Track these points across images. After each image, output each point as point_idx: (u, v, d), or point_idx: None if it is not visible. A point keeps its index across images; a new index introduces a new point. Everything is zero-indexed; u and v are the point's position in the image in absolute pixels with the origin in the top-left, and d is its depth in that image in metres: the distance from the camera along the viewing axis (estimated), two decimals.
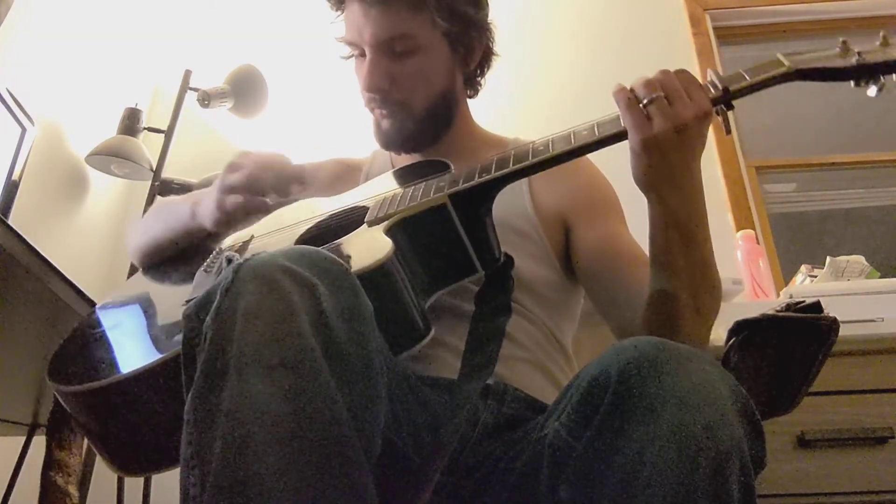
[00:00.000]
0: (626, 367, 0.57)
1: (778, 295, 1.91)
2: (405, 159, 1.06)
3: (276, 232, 0.98)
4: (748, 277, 1.91)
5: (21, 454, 1.47)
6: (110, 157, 1.97)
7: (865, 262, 1.73)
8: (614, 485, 0.54)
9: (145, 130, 2.10)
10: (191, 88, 2.13)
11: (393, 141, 1.02)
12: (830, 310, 0.76)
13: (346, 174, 1.13)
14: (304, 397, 0.52)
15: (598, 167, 1.09)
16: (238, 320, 0.54)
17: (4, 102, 1.53)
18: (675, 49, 2.49)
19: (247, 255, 0.91)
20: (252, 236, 0.99)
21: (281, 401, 0.51)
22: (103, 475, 1.66)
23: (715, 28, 2.58)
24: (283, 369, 0.52)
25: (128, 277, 1.73)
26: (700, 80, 0.77)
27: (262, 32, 2.52)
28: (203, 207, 0.93)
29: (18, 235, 0.84)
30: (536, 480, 0.64)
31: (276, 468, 0.49)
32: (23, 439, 1.49)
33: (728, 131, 0.78)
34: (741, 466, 0.53)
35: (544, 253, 0.98)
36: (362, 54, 0.99)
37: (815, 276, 1.77)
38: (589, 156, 1.02)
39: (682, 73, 0.76)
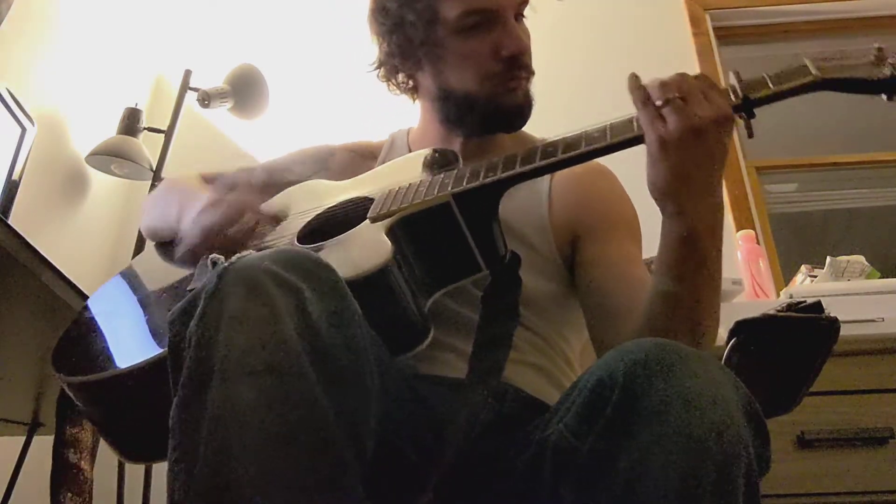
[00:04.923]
0: (631, 368, 0.56)
1: (778, 295, 1.91)
2: (420, 146, 1.02)
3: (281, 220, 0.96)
4: (748, 277, 1.91)
5: (21, 454, 1.47)
6: (110, 157, 1.97)
7: (865, 262, 1.73)
8: (619, 487, 0.54)
9: (145, 130, 2.09)
10: (191, 88, 2.13)
11: (524, 110, 0.98)
12: (831, 310, 0.76)
13: (359, 164, 1.09)
14: (288, 403, 0.52)
15: (616, 173, 1.06)
16: (222, 326, 0.54)
17: (4, 102, 1.53)
18: (675, 49, 2.48)
19: (247, 246, 0.91)
20: (258, 221, 0.97)
21: (265, 407, 0.51)
22: (103, 474, 1.66)
23: (715, 28, 2.58)
24: (268, 375, 0.52)
25: None
26: (720, 84, 0.73)
27: (262, 32, 2.52)
28: (184, 224, 0.91)
29: (18, 235, 0.84)
30: (538, 481, 0.64)
31: (261, 474, 0.49)
32: (23, 439, 1.48)
33: (750, 135, 0.73)
34: (747, 468, 0.53)
35: (553, 268, 0.96)
36: (487, 23, 0.94)
37: (815, 277, 1.77)
38: (608, 162, 1.00)
39: (701, 77, 0.73)
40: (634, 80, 0.74)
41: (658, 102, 0.71)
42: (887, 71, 0.68)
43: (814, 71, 0.70)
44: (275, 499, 0.48)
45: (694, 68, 2.41)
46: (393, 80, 1.05)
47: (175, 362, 0.57)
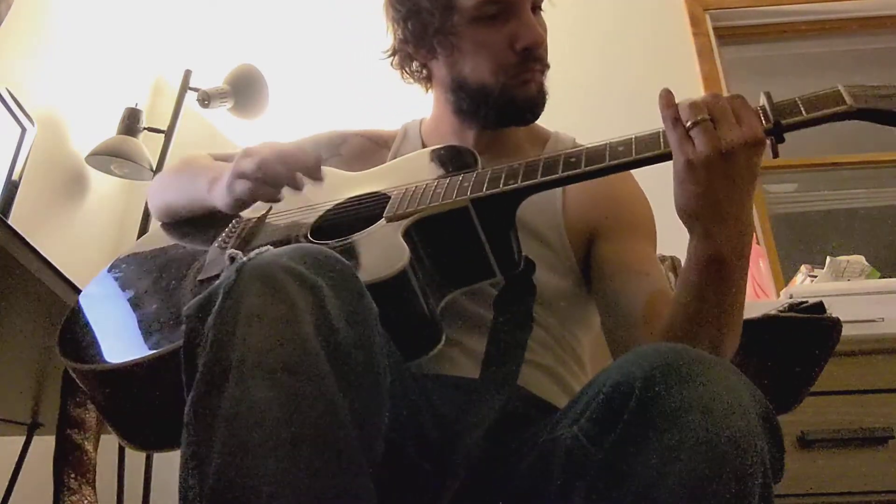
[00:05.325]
0: (650, 373, 0.56)
1: (778, 295, 1.91)
2: (436, 142, 1.01)
3: (293, 212, 0.95)
4: (748, 277, 1.91)
5: (21, 454, 1.47)
6: (110, 157, 1.97)
7: (865, 262, 1.73)
8: (634, 493, 0.53)
9: (145, 130, 2.09)
10: (191, 88, 2.12)
11: (537, 104, 0.97)
12: (831, 310, 0.76)
13: (371, 152, 1.08)
14: (305, 403, 0.51)
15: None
16: (240, 323, 0.54)
17: (4, 102, 1.52)
18: (675, 49, 2.48)
19: (260, 235, 0.90)
20: (270, 209, 0.97)
21: (282, 406, 0.51)
22: (103, 472, 1.66)
23: (715, 28, 2.58)
24: (285, 374, 0.52)
25: None
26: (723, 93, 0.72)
27: (262, 32, 2.52)
28: (218, 187, 0.89)
29: (18, 235, 0.84)
30: (546, 483, 0.63)
31: (276, 474, 0.48)
32: (23, 439, 1.48)
33: (775, 154, 0.72)
34: (762, 479, 0.53)
35: (567, 265, 0.95)
36: (503, 13, 0.93)
37: (815, 277, 1.77)
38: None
39: (735, 97, 0.71)
40: (667, 97, 0.72)
41: (687, 123, 0.69)
42: None
43: (848, 100, 0.68)
44: (288, 500, 0.48)
45: (694, 68, 2.41)
46: (407, 69, 1.03)
47: (189, 358, 0.57)
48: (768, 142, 0.70)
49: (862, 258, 1.74)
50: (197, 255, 0.90)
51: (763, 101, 0.71)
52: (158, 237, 1.01)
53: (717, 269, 0.72)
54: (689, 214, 0.71)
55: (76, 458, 0.98)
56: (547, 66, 0.98)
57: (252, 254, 0.60)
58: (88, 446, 1.00)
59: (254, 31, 2.53)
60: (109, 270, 0.93)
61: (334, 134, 1.12)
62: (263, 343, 0.53)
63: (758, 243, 2.06)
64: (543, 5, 0.99)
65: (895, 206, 2.67)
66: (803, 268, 1.83)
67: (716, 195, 0.69)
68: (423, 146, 1.05)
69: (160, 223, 1.05)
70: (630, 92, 2.04)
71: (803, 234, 2.72)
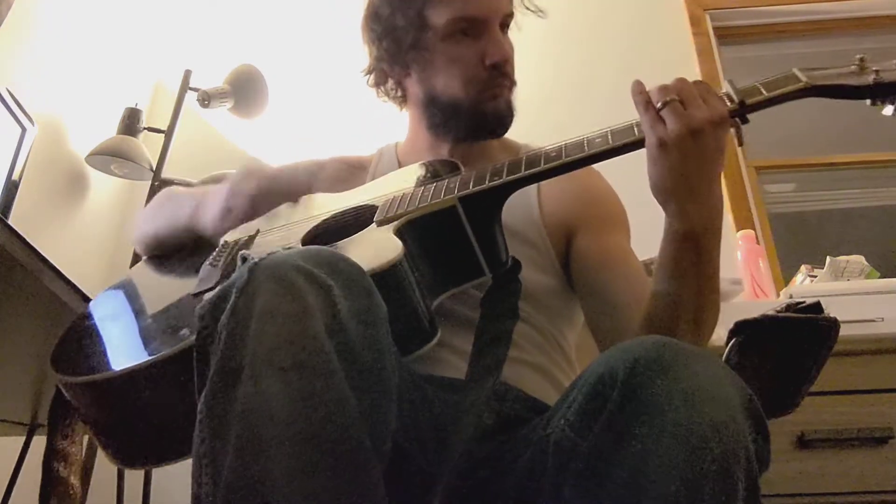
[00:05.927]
0: (633, 365, 0.57)
1: (778, 295, 1.91)
2: (413, 159, 1.04)
3: (281, 228, 0.97)
4: (748, 277, 1.91)
5: (21, 454, 1.47)
6: (110, 157, 1.97)
7: (865, 262, 1.73)
8: (620, 484, 0.54)
9: (145, 130, 2.10)
10: (191, 88, 2.13)
11: (506, 118, 1.00)
12: (830, 310, 0.76)
13: (349, 175, 1.12)
14: (317, 399, 0.52)
15: (610, 180, 1.09)
16: (253, 320, 0.55)
17: (4, 102, 1.53)
18: (675, 49, 2.48)
19: (253, 251, 0.92)
20: (258, 231, 0.99)
21: (294, 403, 0.51)
22: (103, 471, 1.66)
23: (715, 28, 2.58)
24: (297, 371, 0.52)
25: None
26: (719, 86, 0.77)
27: (262, 32, 2.52)
28: (205, 210, 0.93)
29: (18, 235, 0.84)
30: (539, 480, 0.64)
31: (289, 469, 0.49)
32: (23, 439, 1.48)
33: (741, 143, 0.78)
34: (747, 467, 0.53)
35: (548, 262, 0.98)
36: (473, 30, 0.97)
37: (815, 276, 1.77)
38: (602, 168, 1.00)
39: (699, 83, 0.76)
40: (638, 85, 0.77)
41: (658, 105, 0.73)
42: (870, 78, 0.73)
43: (803, 78, 0.75)
44: (301, 496, 0.48)
45: (694, 68, 2.41)
46: (382, 87, 1.09)
47: (201, 356, 0.58)
48: (734, 130, 0.76)
49: (862, 258, 1.75)
50: (188, 278, 0.91)
51: (727, 87, 0.77)
52: (146, 269, 1.04)
53: (692, 244, 0.76)
54: (663, 192, 0.75)
55: (62, 493, 0.98)
56: (514, 83, 1.01)
57: (259, 252, 0.61)
58: (74, 480, 0.99)
59: (254, 31, 2.53)
60: (100, 297, 0.95)
61: (311, 162, 1.15)
62: (275, 340, 0.54)
63: (757, 243, 2.06)
64: (517, 28, 1.03)
65: (894, 206, 2.67)
66: (803, 268, 1.83)
67: (687, 172, 0.73)
68: (399, 166, 1.08)
69: (145, 258, 1.08)
70: (630, 91, 2.04)
71: (802, 233, 2.73)
